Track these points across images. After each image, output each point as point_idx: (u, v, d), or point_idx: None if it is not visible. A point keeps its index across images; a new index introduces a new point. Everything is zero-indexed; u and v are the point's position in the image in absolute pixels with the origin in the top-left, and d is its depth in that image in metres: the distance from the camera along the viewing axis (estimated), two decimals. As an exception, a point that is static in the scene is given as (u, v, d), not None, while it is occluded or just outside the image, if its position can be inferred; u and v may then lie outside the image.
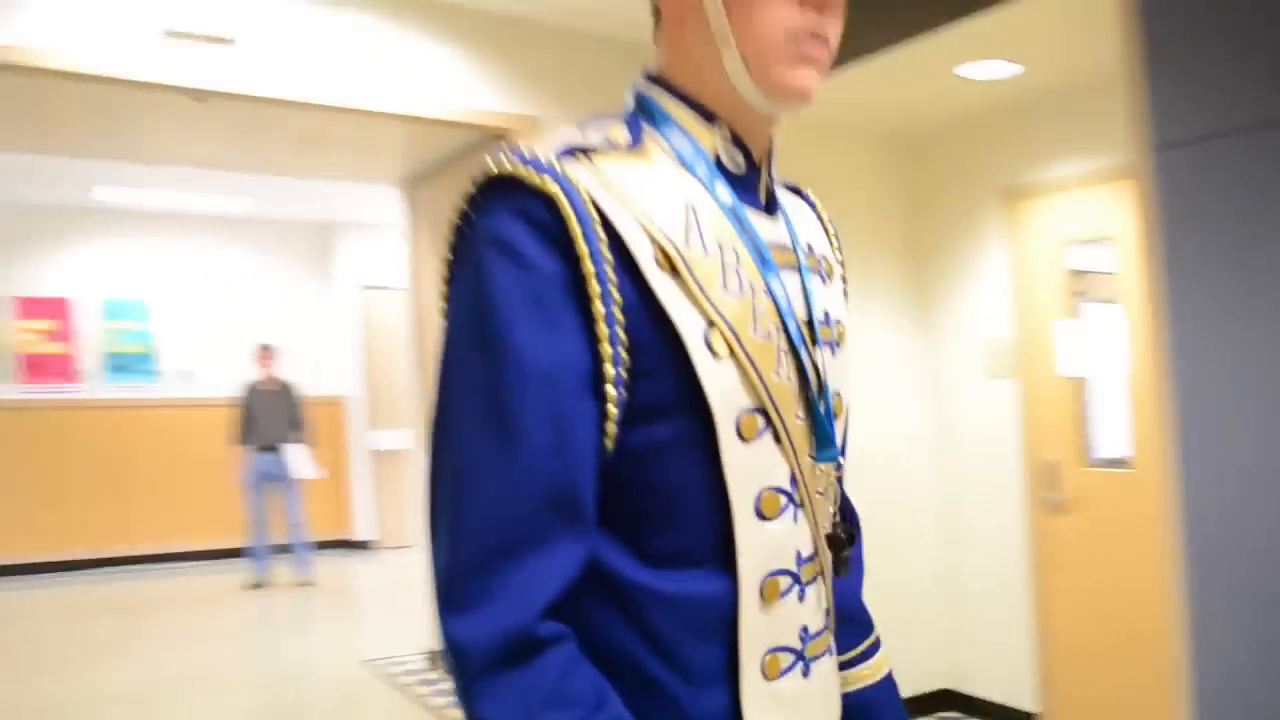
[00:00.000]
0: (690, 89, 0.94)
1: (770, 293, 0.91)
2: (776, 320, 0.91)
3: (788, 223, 1.01)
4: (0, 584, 7.47)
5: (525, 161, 0.82)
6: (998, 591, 4.03)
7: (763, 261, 0.92)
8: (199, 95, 3.47)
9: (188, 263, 8.45)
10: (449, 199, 3.49)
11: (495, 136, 4.01)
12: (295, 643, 6.16)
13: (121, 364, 8.10)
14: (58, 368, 7.86)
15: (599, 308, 0.81)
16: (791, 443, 0.91)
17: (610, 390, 0.82)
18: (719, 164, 0.94)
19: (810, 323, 0.96)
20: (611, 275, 0.82)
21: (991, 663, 4.08)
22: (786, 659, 0.91)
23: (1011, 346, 3.96)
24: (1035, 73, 3.52)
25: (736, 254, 0.89)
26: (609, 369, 0.82)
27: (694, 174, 0.92)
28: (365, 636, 6.08)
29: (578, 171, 0.83)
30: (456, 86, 3.85)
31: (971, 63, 3.44)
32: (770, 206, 1.00)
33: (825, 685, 0.97)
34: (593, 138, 0.88)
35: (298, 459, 7.24)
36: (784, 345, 0.91)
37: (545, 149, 0.85)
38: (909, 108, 3.97)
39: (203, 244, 8.49)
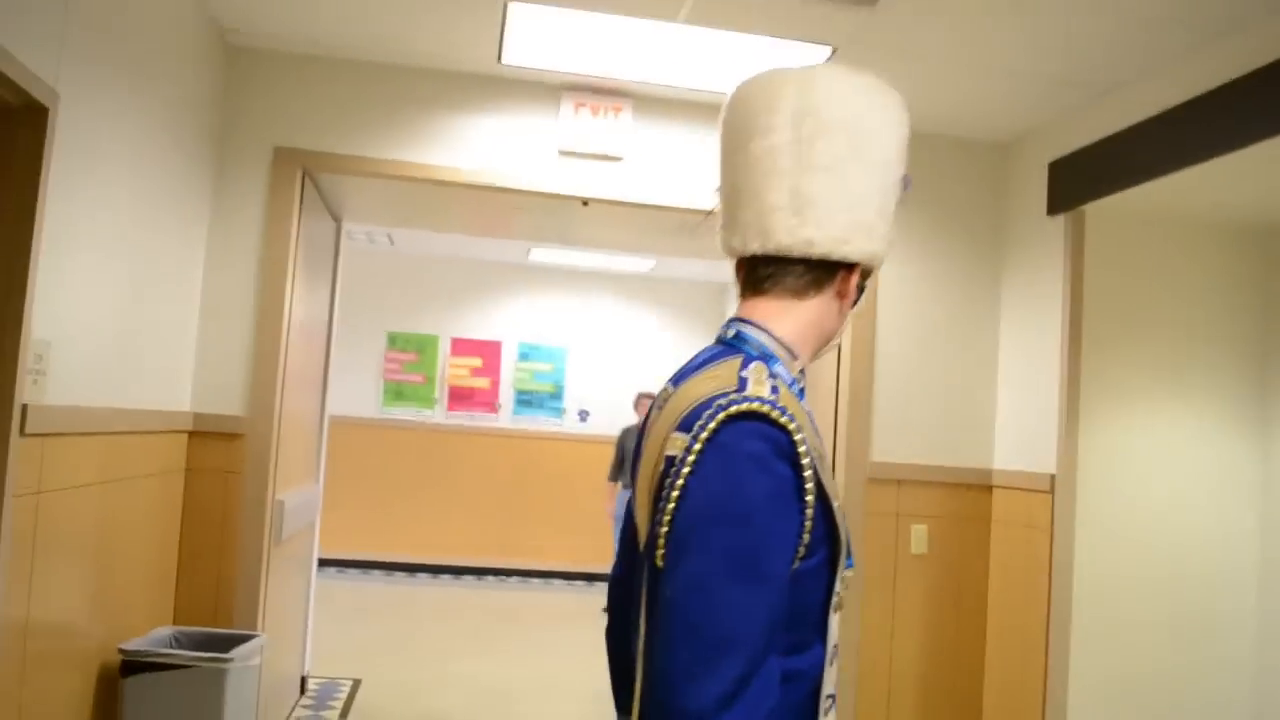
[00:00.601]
0: (789, 339, 1.36)
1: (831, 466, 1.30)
2: (837, 487, 1.31)
3: None
4: (406, 580, 8.79)
5: (772, 406, 1.20)
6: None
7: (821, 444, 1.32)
8: (585, 201, 4.22)
9: (597, 314, 9.59)
10: None
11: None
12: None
13: (528, 400, 9.36)
14: (480, 399, 9.27)
15: (809, 500, 1.20)
16: (842, 563, 1.31)
17: (801, 549, 1.21)
18: (797, 382, 1.35)
19: None
20: (812, 478, 1.20)
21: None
22: (830, 702, 1.31)
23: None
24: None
25: (821, 445, 1.29)
26: (805, 537, 1.21)
27: (793, 392, 1.31)
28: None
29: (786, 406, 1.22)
30: None
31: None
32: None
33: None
34: (770, 379, 1.27)
35: None
36: (841, 498, 1.30)
37: (764, 389, 1.23)
38: (1258, 205, 3.81)
39: (613, 298, 9.57)
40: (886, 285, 4.39)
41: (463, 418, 9.23)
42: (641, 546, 1.28)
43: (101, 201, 2.86)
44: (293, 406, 4.17)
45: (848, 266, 1.36)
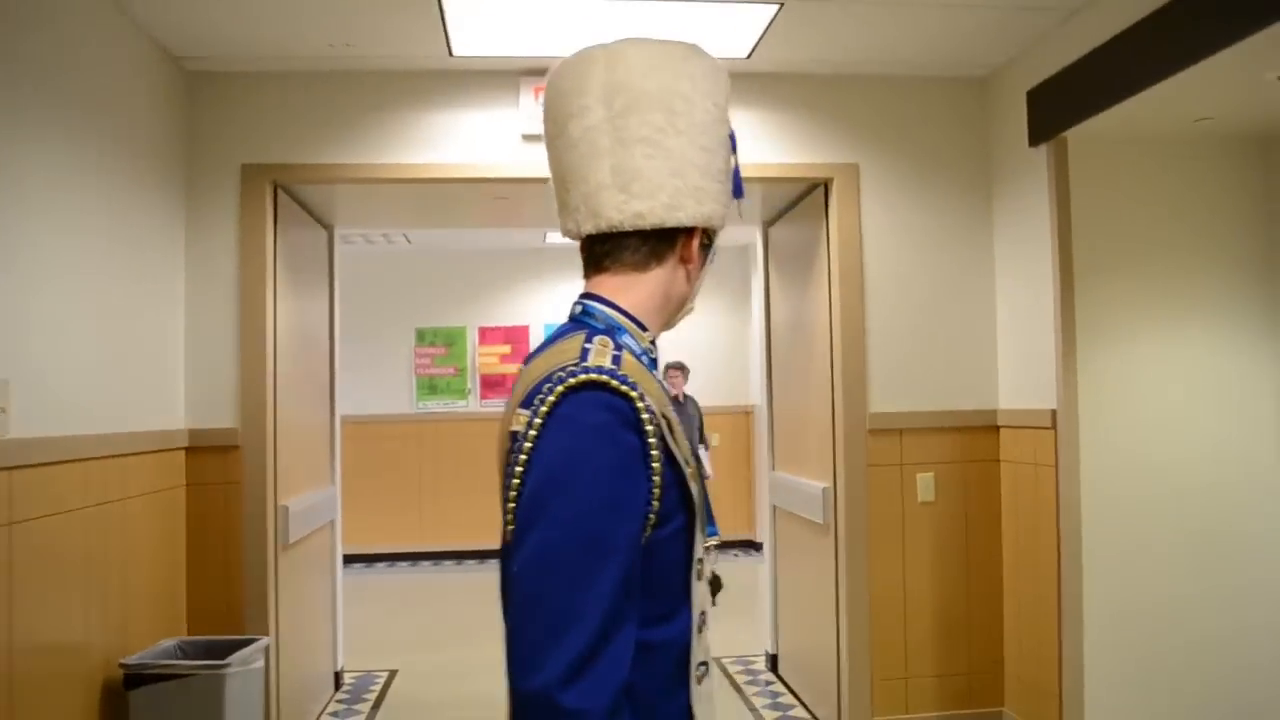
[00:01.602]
0: (637, 311, 1.37)
1: (686, 434, 1.32)
2: (691, 451, 1.31)
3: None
4: (454, 569, 8.92)
5: (612, 375, 1.20)
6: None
7: (678, 412, 1.30)
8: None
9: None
10: (791, 235, 4.01)
11: (822, 184, 4.38)
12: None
13: (558, 381, 9.45)
14: (511, 385, 9.36)
15: (657, 467, 1.20)
16: (703, 529, 1.32)
17: (652, 516, 1.23)
18: (648, 353, 1.36)
19: None
20: (658, 444, 1.20)
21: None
22: (703, 670, 1.31)
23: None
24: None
25: (673, 412, 1.29)
26: (655, 504, 1.22)
27: (642, 362, 1.31)
28: (727, 632, 6.52)
29: (628, 374, 1.22)
30: (793, 144, 4.29)
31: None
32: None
33: (714, 686, 1.36)
34: (612, 351, 1.27)
35: (705, 460, 8.15)
36: (693, 463, 1.31)
37: (605, 359, 1.24)
38: (1243, 114, 3.65)
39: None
40: (873, 232, 4.33)
41: (497, 405, 9.32)
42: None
43: (61, 242, 2.95)
44: (292, 413, 4.26)
45: (686, 232, 1.37)
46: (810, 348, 4.68)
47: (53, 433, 2.83)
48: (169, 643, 3.41)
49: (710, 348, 9.52)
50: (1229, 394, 3.89)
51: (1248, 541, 3.85)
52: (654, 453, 1.19)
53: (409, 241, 8.62)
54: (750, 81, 4.22)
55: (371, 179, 4.07)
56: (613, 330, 1.32)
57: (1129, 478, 3.80)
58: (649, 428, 1.19)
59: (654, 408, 1.21)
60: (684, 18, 3.64)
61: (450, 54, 3.93)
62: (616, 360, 1.24)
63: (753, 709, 4.93)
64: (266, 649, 3.61)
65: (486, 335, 9.35)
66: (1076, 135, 3.80)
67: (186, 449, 3.85)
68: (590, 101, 1.35)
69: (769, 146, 4.27)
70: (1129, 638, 3.76)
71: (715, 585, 1.40)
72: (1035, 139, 3.96)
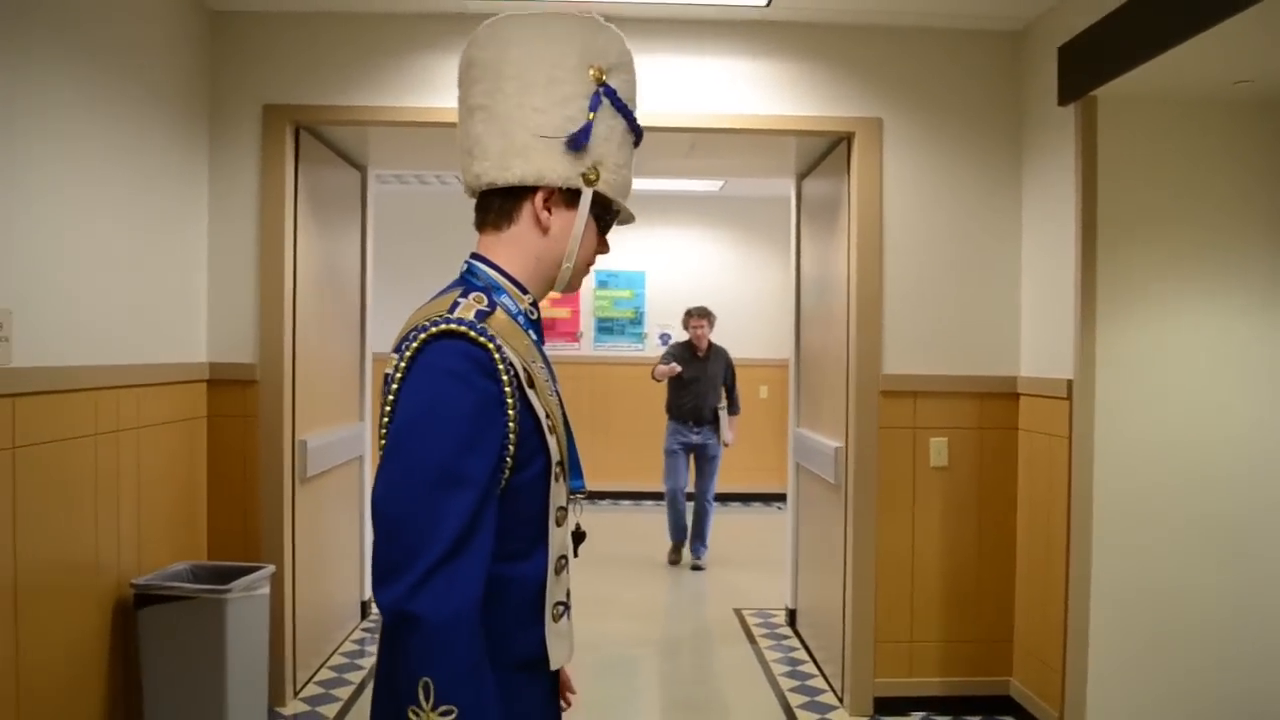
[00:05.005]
0: (514, 271, 1.48)
1: (555, 392, 1.45)
2: (558, 408, 1.45)
3: (541, 339, 1.51)
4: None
5: (471, 326, 1.32)
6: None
7: (549, 373, 1.46)
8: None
9: (672, 237, 9.58)
10: (821, 189, 3.96)
11: (844, 138, 4.31)
12: (686, 585, 6.78)
13: (609, 327, 9.48)
14: (561, 329, 9.44)
15: (512, 414, 1.34)
16: (565, 480, 1.45)
17: (509, 460, 1.35)
18: (526, 314, 1.47)
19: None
20: (514, 393, 1.33)
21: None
22: (561, 609, 1.46)
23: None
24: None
25: (541, 370, 1.42)
26: (511, 448, 1.34)
27: (517, 322, 1.43)
28: (752, 584, 6.61)
29: (489, 327, 1.34)
30: (813, 96, 4.25)
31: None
32: (539, 332, 1.51)
33: (571, 625, 1.50)
34: (481, 306, 1.38)
35: (723, 426, 7.21)
36: (562, 421, 1.45)
37: (470, 313, 1.35)
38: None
39: (686, 220, 9.54)
40: (895, 189, 4.26)
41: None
42: None
43: (81, 181, 3.10)
44: (315, 350, 4.38)
45: (530, 191, 1.46)
46: (831, 305, 4.63)
47: (63, 363, 2.96)
48: (181, 565, 3.58)
49: (756, 298, 9.52)
50: (1258, 373, 3.74)
51: (1265, 530, 3.72)
52: (510, 400, 1.32)
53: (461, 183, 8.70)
54: (769, 30, 4.16)
55: (395, 121, 4.12)
56: (491, 289, 1.45)
57: (1145, 454, 3.69)
58: (505, 377, 1.32)
59: (513, 360, 1.34)
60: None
61: (469, -3, 3.93)
62: (482, 315, 1.36)
63: (762, 660, 4.99)
64: (275, 577, 3.76)
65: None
66: (1107, 94, 3.66)
67: (208, 382, 4.00)
68: (459, 78, 1.51)
69: (788, 98, 4.20)
70: (1135, 616, 3.69)
71: (578, 537, 1.55)
72: (1065, 98, 3.82)
